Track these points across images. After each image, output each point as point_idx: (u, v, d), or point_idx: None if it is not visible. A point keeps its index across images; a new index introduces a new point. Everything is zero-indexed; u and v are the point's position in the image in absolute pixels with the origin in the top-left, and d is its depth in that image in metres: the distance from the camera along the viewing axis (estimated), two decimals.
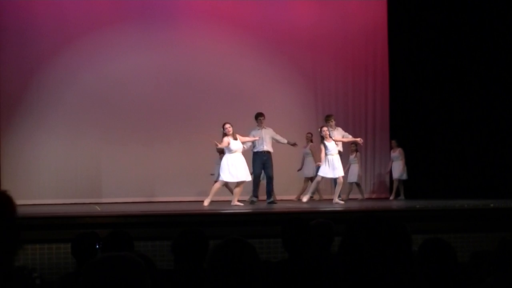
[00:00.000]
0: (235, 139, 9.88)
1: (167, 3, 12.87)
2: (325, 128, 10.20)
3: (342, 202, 10.32)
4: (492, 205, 8.68)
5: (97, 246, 4.22)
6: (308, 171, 12.06)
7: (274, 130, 10.86)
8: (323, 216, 5.93)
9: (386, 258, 1.60)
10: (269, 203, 10.45)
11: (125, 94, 12.38)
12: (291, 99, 13.21)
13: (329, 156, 10.10)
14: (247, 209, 9.36)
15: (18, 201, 1.88)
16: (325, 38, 13.31)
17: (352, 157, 12.48)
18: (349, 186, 12.47)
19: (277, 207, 9.95)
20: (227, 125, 9.83)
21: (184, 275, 3.32)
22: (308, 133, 12.27)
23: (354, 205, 10.29)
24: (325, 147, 10.09)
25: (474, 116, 12.69)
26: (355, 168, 12.47)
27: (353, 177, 12.45)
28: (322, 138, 10.16)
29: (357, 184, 12.59)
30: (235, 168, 9.81)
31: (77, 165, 12.04)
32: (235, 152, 9.84)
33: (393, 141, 12.83)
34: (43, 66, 12.16)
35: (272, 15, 13.19)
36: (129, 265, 1.77)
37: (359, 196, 12.59)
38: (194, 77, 12.67)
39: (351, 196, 12.48)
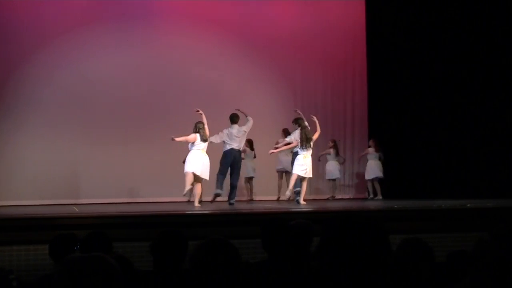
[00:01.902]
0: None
1: (146, 2, 12.82)
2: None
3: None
4: (468, 205, 8.77)
5: (76, 248, 4.18)
6: (333, 173, 12.42)
7: (252, 129, 10.74)
8: (303, 216, 5.97)
9: (364, 257, 1.62)
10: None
11: (104, 94, 12.30)
12: (270, 98, 13.24)
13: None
14: (226, 210, 9.34)
15: None
16: (304, 38, 13.37)
17: (333, 153, 12.61)
18: (333, 183, 12.70)
19: (256, 207, 9.95)
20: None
21: (163, 276, 3.31)
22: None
23: (334, 205, 10.34)
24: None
25: (452, 116, 12.80)
26: (335, 165, 12.64)
27: (337, 174, 12.63)
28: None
29: (334, 180, 12.81)
30: None
31: (56, 165, 11.92)
32: None
33: (373, 140, 12.82)
34: (21, 66, 12.03)
35: (252, 15, 13.22)
36: (100, 266, 1.76)
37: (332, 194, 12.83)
38: (174, 77, 12.63)
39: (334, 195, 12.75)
